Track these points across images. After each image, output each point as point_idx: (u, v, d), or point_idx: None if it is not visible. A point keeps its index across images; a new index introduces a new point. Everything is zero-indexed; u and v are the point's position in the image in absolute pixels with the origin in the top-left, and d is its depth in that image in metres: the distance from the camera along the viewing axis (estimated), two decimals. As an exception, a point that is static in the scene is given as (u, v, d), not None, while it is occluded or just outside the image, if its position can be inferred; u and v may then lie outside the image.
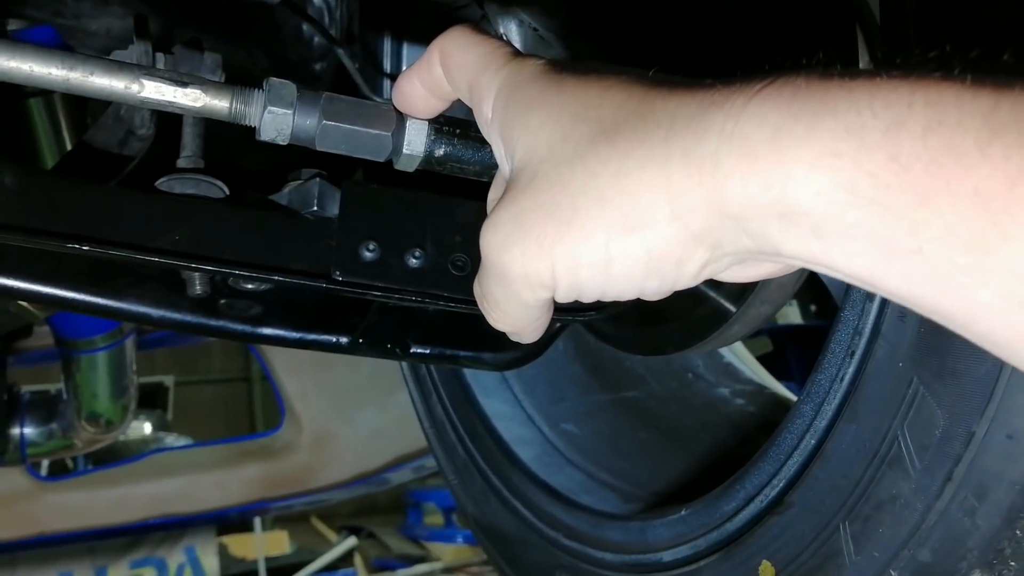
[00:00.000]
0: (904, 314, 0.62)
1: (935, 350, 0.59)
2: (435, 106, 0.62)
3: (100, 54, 1.52)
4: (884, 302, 0.63)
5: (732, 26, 0.96)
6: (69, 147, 1.33)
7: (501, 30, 0.94)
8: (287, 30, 1.43)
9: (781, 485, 0.73)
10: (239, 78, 1.54)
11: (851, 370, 0.66)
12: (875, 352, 0.63)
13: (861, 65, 0.89)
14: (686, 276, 0.45)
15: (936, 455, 0.60)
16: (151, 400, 4.74)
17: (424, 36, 1.17)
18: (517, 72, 0.51)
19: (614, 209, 0.43)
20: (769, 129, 0.39)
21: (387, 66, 1.26)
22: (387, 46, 1.25)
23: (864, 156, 0.36)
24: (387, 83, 1.24)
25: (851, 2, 0.96)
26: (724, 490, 0.81)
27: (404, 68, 1.26)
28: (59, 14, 1.42)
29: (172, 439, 3.50)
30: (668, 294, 0.48)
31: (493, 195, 0.63)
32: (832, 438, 0.68)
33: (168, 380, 5.33)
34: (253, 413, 6.95)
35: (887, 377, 0.63)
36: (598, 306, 0.83)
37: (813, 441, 0.70)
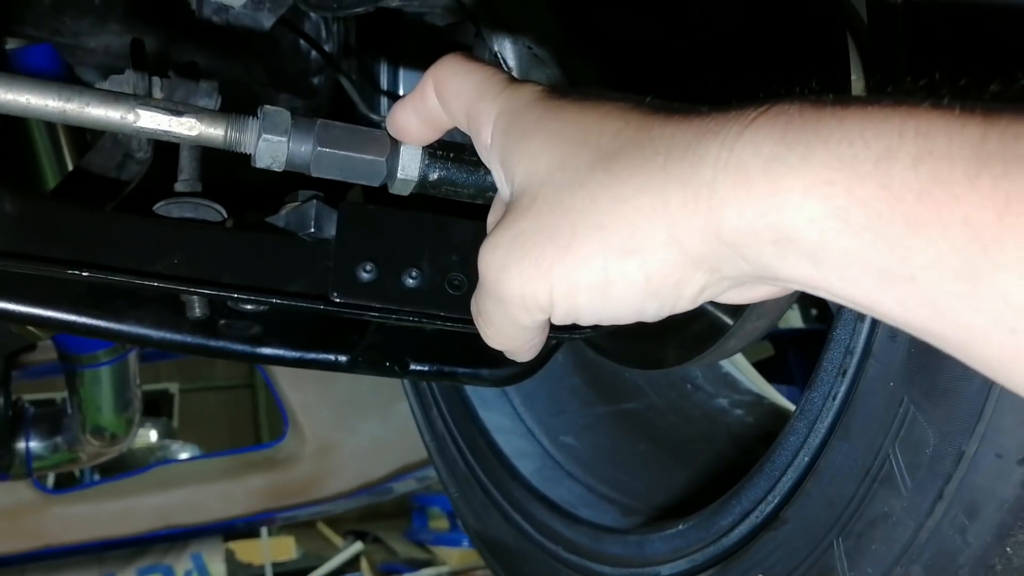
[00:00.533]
0: (894, 334, 0.62)
1: (925, 370, 0.60)
2: (430, 136, 0.63)
3: (98, 72, 1.53)
4: (875, 322, 0.64)
5: (727, 46, 0.97)
6: (71, 166, 1.34)
7: (496, 49, 0.95)
8: (285, 45, 1.44)
9: (776, 501, 0.74)
10: (237, 92, 1.55)
11: (843, 389, 0.66)
12: (866, 371, 0.64)
13: (854, 91, 0.89)
14: (685, 299, 0.46)
15: (927, 474, 0.61)
16: (156, 408, 4.76)
17: (419, 54, 1.18)
18: (515, 98, 0.52)
19: (613, 234, 0.44)
20: (763, 158, 0.40)
21: (384, 82, 1.27)
22: (383, 61, 1.26)
23: (856, 185, 0.37)
24: (384, 100, 1.25)
25: (845, 25, 0.97)
26: (720, 505, 0.82)
27: (400, 85, 1.28)
28: (58, 32, 1.43)
29: (177, 447, 3.50)
30: (665, 316, 0.49)
31: (492, 218, 0.63)
32: (825, 455, 0.69)
33: (173, 387, 5.35)
34: (258, 419, 6.96)
35: (878, 396, 0.63)
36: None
37: (807, 458, 0.70)
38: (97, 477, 2.91)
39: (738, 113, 0.42)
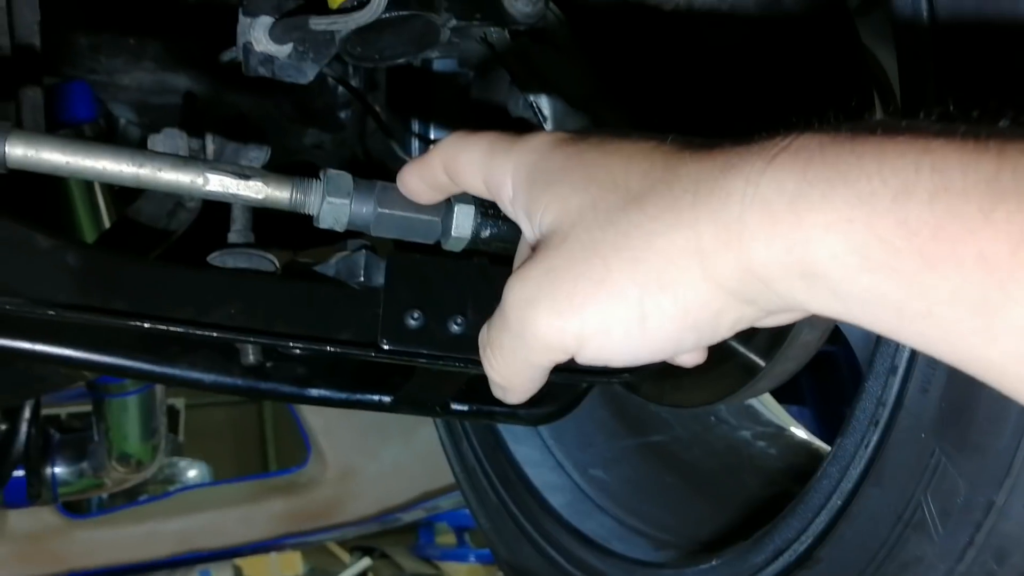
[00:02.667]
0: (926, 388, 0.66)
1: (956, 424, 0.63)
2: (439, 198, 0.66)
3: (130, 107, 1.56)
4: (907, 375, 0.67)
5: (753, 86, 1.00)
6: (107, 218, 1.37)
7: (531, 99, 0.99)
8: (313, 80, 1.48)
9: (809, 541, 0.77)
10: (267, 126, 1.57)
11: (875, 438, 0.69)
12: (898, 422, 0.67)
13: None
14: (723, 328, 0.46)
15: (958, 521, 0.64)
16: (163, 424, 4.76)
17: (450, 103, 1.21)
18: (529, 149, 0.53)
19: (648, 268, 0.45)
20: (787, 195, 0.41)
21: (415, 124, 1.30)
22: (414, 106, 1.29)
23: (876, 221, 0.38)
24: (415, 143, 1.28)
25: (867, 63, 1.01)
26: (754, 543, 0.85)
27: (431, 128, 1.31)
28: (93, 71, 1.46)
29: (186, 463, 3.52)
30: (702, 347, 0.50)
31: (518, 262, 0.64)
32: (858, 500, 0.72)
33: (179, 403, 5.35)
34: (264, 435, 6.96)
35: (910, 446, 0.67)
36: (632, 368, 0.87)
37: (840, 502, 0.73)
38: (105, 496, 2.92)
39: (760, 148, 0.43)
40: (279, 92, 1.47)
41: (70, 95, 1.46)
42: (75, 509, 2.55)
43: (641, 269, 0.45)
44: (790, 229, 0.41)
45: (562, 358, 0.50)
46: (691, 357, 0.57)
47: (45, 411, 2.45)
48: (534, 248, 0.51)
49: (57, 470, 1.98)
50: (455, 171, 0.59)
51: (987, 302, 0.36)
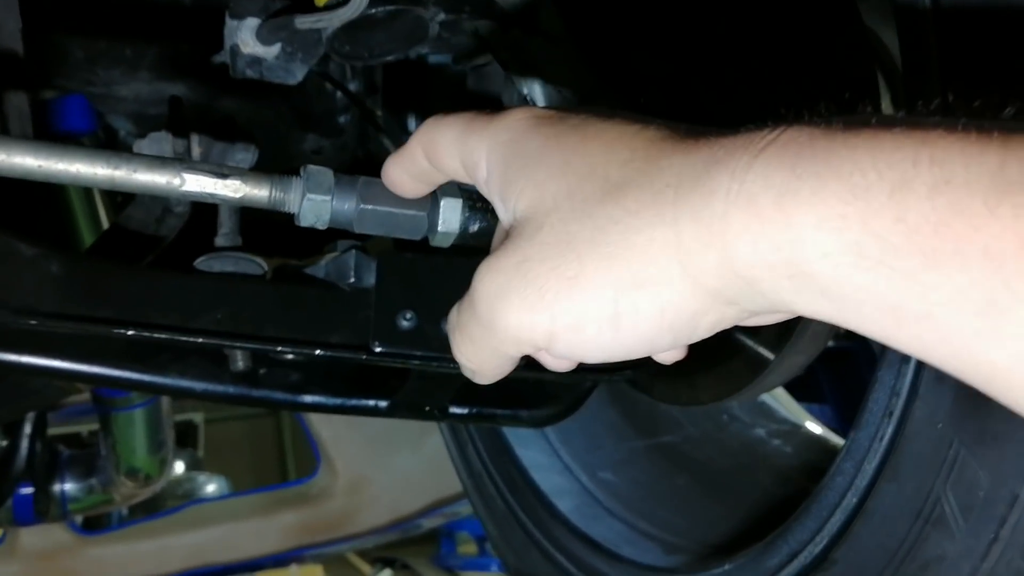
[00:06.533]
0: (941, 376, 0.62)
1: (975, 413, 0.60)
2: (425, 190, 0.63)
3: (129, 119, 1.55)
4: (920, 364, 0.64)
5: (752, 72, 0.97)
6: (105, 220, 1.36)
7: (525, 91, 0.96)
8: (310, 85, 1.46)
9: (824, 542, 0.74)
10: (265, 133, 1.56)
11: (890, 430, 0.66)
12: (913, 413, 0.64)
13: (883, 108, 0.90)
14: (701, 329, 0.44)
15: (981, 516, 0.60)
16: (182, 439, 4.76)
17: (447, 96, 1.19)
18: (505, 126, 0.51)
19: (624, 266, 0.43)
20: (775, 191, 0.38)
21: (412, 124, 1.28)
22: (411, 102, 1.27)
23: (871, 217, 0.36)
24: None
25: (872, 46, 0.97)
26: (767, 545, 0.81)
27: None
28: (90, 83, 1.45)
29: (204, 478, 3.51)
30: (678, 347, 0.47)
31: (495, 246, 0.62)
32: (874, 496, 0.68)
33: (198, 418, 5.35)
34: (283, 447, 6.96)
35: (927, 438, 0.63)
36: (632, 364, 0.84)
37: (855, 499, 0.70)
38: (125, 511, 2.92)
39: (747, 141, 0.41)
40: (277, 98, 1.45)
41: (68, 108, 1.45)
42: (96, 524, 2.54)
43: (617, 266, 0.43)
44: (777, 227, 0.38)
45: (530, 351, 0.48)
46: (669, 355, 0.54)
47: (64, 429, 2.45)
48: (508, 232, 0.49)
49: (66, 486, 1.97)
50: (433, 154, 0.56)
51: (993, 302, 0.34)
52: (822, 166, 0.37)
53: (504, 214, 0.51)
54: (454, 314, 0.52)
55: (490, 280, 0.47)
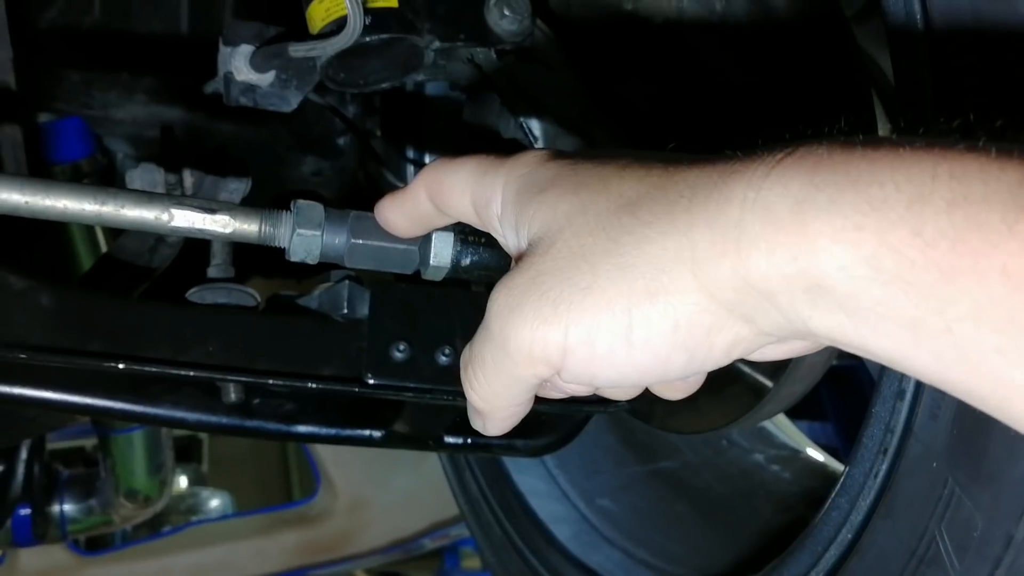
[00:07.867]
0: (935, 413, 0.61)
1: (969, 452, 0.59)
2: (417, 233, 0.63)
3: (127, 141, 1.55)
4: (915, 400, 0.63)
5: (750, 102, 0.97)
6: (103, 241, 1.36)
7: (521, 120, 0.96)
8: (309, 108, 1.46)
9: (820, 577, 0.73)
10: (264, 156, 1.56)
11: (884, 467, 0.65)
12: (908, 451, 0.63)
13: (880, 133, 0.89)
14: (717, 350, 0.43)
15: (976, 556, 0.59)
16: (186, 453, 4.75)
17: (443, 124, 1.19)
18: (520, 164, 0.51)
19: (637, 276, 0.42)
20: (791, 200, 0.38)
21: (409, 152, 1.28)
22: (408, 130, 1.27)
23: (887, 230, 0.35)
24: (410, 169, 1.26)
25: (868, 71, 0.97)
26: (763, 578, 0.81)
27: (425, 153, 1.29)
28: (87, 106, 1.45)
29: (208, 493, 3.50)
30: (694, 374, 0.46)
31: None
32: (868, 533, 0.67)
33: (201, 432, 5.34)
34: (287, 461, 6.95)
35: (921, 476, 0.62)
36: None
37: (850, 535, 0.69)
38: (129, 530, 2.91)
39: (765, 154, 0.40)
40: (276, 120, 1.45)
41: (66, 131, 1.45)
42: (99, 543, 2.54)
43: (629, 276, 0.42)
44: (794, 237, 0.38)
45: (546, 372, 0.46)
46: (681, 386, 0.53)
47: (67, 444, 2.44)
48: (523, 254, 0.48)
49: (66, 507, 1.96)
50: (440, 195, 0.56)
51: (1012, 319, 0.33)
52: (840, 176, 0.37)
53: (517, 241, 0.50)
54: (467, 351, 0.51)
55: (504, 296, 0.46)
